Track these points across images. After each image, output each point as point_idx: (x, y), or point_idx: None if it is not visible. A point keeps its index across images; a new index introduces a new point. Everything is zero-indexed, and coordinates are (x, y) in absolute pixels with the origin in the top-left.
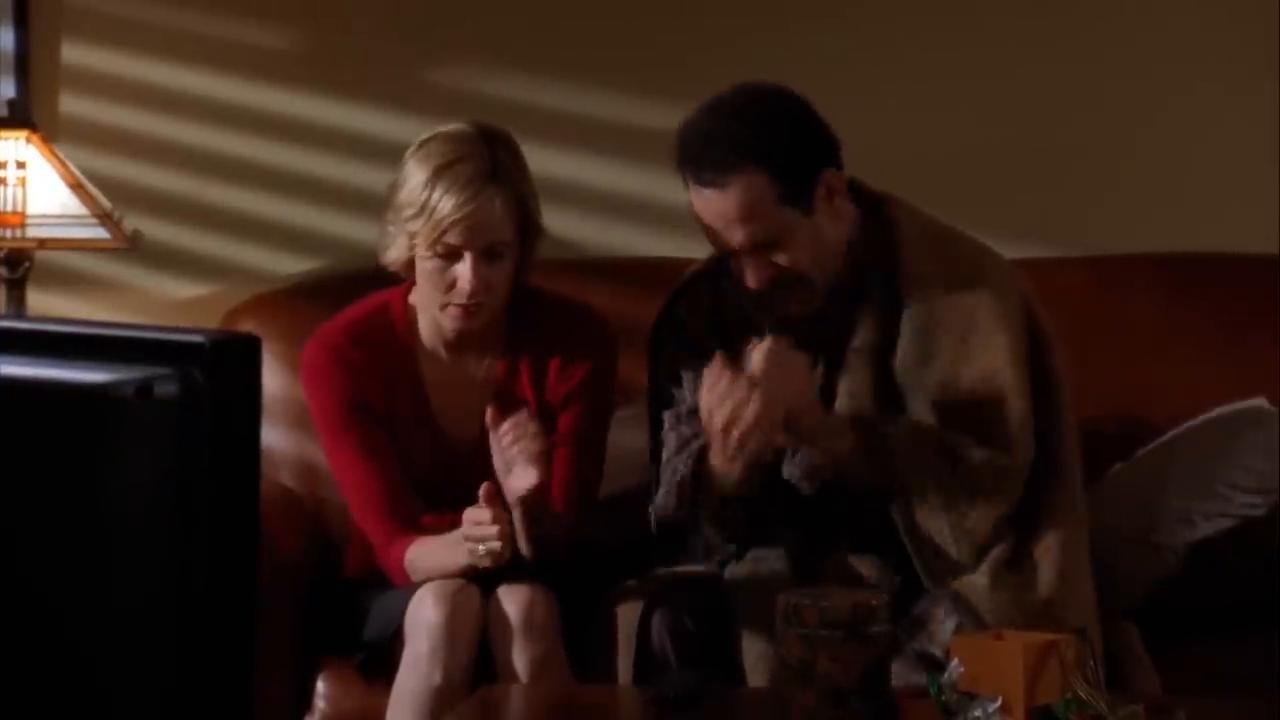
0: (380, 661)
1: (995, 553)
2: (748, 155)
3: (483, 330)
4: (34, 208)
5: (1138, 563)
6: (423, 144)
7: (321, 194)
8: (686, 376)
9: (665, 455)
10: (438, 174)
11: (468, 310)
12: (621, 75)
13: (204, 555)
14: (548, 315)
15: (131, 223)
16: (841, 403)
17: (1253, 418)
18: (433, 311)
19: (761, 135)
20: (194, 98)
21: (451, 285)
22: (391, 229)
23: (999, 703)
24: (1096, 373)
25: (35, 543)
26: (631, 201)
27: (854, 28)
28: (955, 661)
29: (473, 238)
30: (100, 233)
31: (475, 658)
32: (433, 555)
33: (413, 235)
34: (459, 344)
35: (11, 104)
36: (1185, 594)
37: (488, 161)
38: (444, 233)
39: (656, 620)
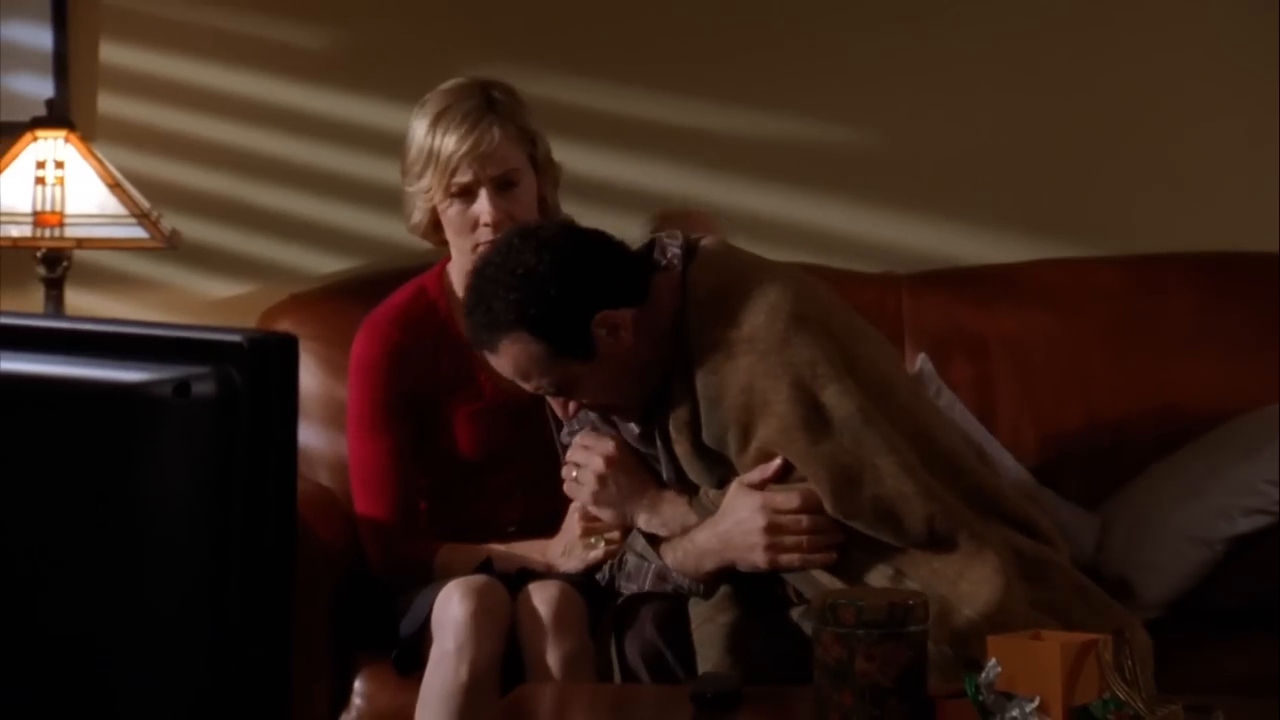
0: (415, 658)
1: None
2: (504, 323)
3: None
4: (72, 207)
5: (1178, 557)
6: (421, 105)
7: (358, 193)
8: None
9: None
10: (436, 120)
11: (491, 242)
12: (651, 73)
13: (241, 554)
14: None
15: (169, 222)
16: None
17: None
18: (466, 262)
19: (517, 302)
20: (231, 97)
21: (475, 225)
22: (409, 193)
23: (1036, 703)
24: (1134, 371)
25: (70, 542)
26: (660, 198)
27: (891, 29)
28: (993, 661)
29: (481, 168)
30: (138, 232)
31: (504, 654)
32: (508, 559)
33: (428, 190)
34: None
35: (50, 104)
36: (1225, 589)
37: (480, 98)
38: (453, 172)
39: (629, 646)
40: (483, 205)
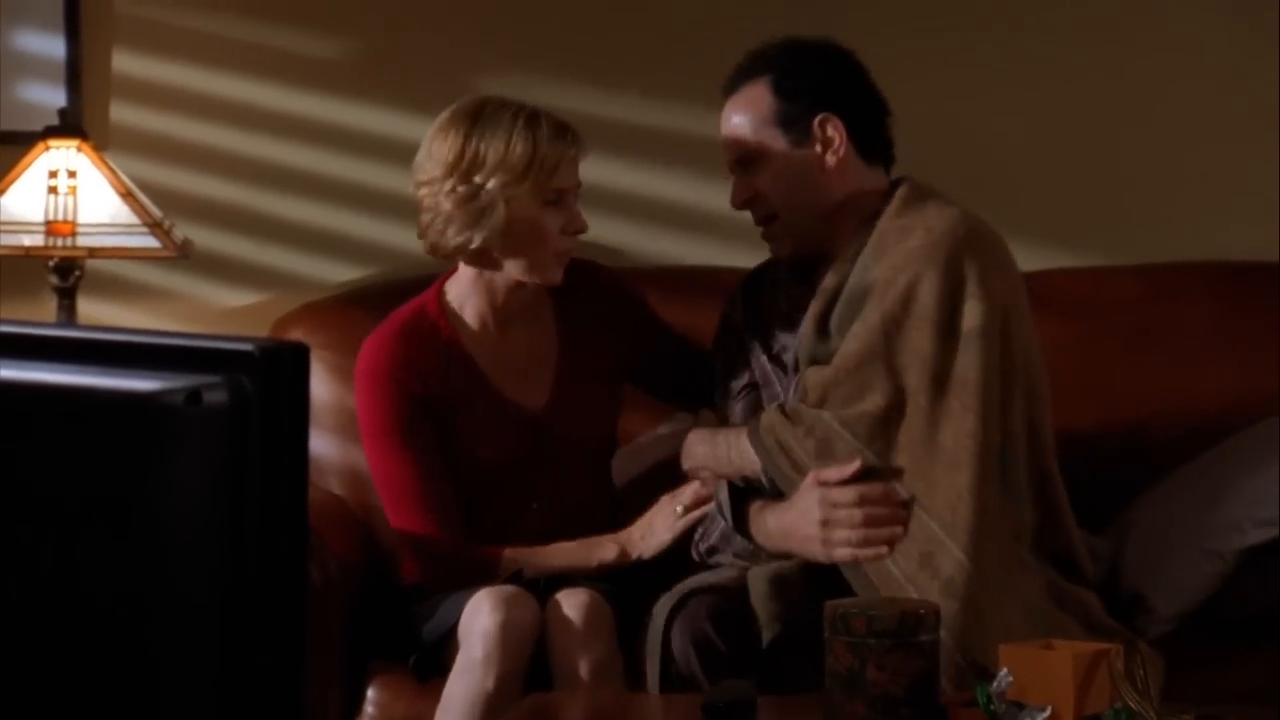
0: (435, 664)
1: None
2: (760, 67)
3: (535, 300)
4: (85, 216)
5: (1190, 570)
6: (477, 119)
7: (371, 203)
8: (726, 360)
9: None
10: (530, 129)
11: (570, 250)
12: (667, 83)
13: (253, 563)
14: (576, 280)
15: (181, 231)
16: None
17: None
18: (533, 274)
19: (779, 55)
20: (244, 106)
21: (562, 230)
22: (488, 193)
23: (1048, 712)
24: (1149, 379)
25: (82, 551)
26: (677, 210)
27: (905, 39)
28: (1005, 671)
29: (573, 174)
30: (150, 241)
31: (530, 666)
32: (566, 554)
33: (512, 199)
34: (509, 319)
35: (62, 113)
36: (1236, 600)
37: (540, 109)
38: (551, 175)
39: (679, 633)
40: (573, 208)
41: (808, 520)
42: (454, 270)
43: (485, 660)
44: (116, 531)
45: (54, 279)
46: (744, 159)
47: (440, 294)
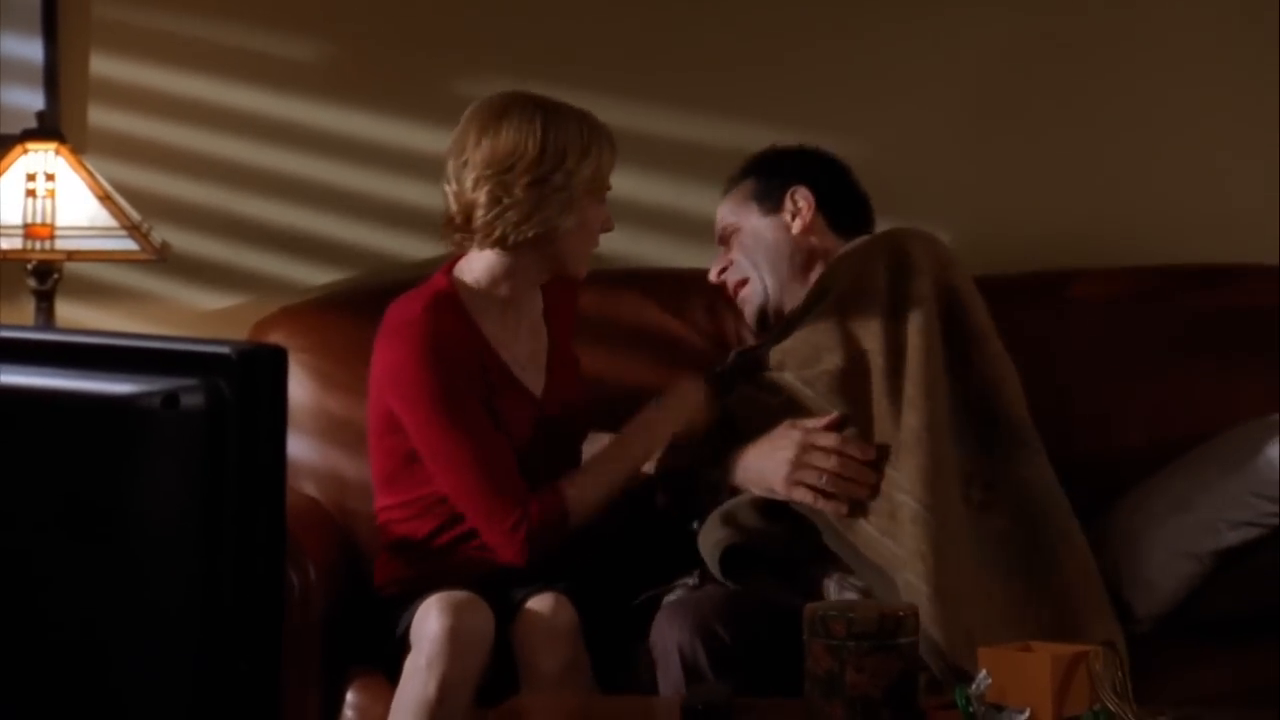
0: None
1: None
2: (749, 168)
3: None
4: (63, 219)
5: (1167, 572)
6: (547, 112)
7: (349, 206)
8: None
9: None
10: (590, 125)
11: (596, 245)
12: (649, 87)
13: (230, 566)
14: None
15: (160, 234)
16: None
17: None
18: (572, 263)
19: (764, 154)
20: (222, 109)
21: (603, 228)
22: (570, 184)
23: (1027, 714)
24: (1121, 384)
25: (58, 554)
26: (658, 212)
27: (886, 40)
28: (984, 673)
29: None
30: (129, 244)
31: (485, 670)
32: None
33: (588, 193)
34: (521, 307)
35: (40, 116)
36: (1212, 602)
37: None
38: (607, 175)
39: (689, 629)
40: (607, 209)
41: (779, 452)
42: (459, 258)
43: (429, 665)
44: (93, 534)
45: (32, 282)
46: (723, 236)
47: (453, 280)
